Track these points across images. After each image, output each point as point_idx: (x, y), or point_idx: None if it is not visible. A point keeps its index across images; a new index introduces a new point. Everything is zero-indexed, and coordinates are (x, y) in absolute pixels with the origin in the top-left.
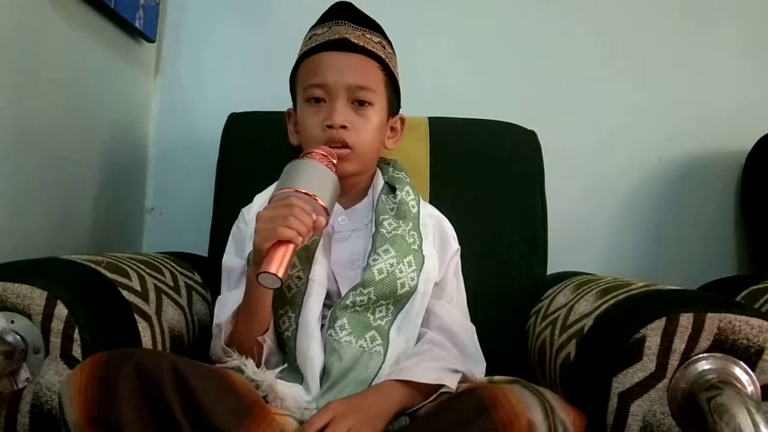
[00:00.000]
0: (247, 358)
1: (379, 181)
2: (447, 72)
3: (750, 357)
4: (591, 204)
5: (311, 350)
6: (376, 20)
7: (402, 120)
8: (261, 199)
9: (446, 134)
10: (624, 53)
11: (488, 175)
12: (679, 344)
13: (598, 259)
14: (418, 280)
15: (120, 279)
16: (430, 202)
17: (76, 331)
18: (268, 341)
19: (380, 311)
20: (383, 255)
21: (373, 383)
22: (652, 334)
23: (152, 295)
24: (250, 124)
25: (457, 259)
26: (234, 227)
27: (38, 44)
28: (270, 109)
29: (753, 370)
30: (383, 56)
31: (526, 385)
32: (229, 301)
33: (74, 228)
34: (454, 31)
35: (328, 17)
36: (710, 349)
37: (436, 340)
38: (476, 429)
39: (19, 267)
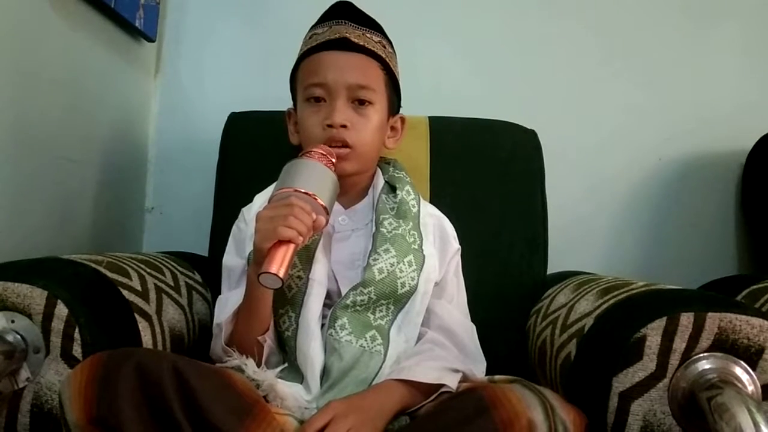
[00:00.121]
0: (247, 357)
1: (380, 181)
2: (447, 71)
3: (750, 356)
4: (591, 204)
5: (311, 350)
6: (376, 20)
7: (402, 119)
8: (261, 199)
9: (446, 134)
10: (624, 53)
11: (488, 174)
12: (679, 344)
13: (598, 258)
14: (418, 279)
15: (120, 279)
16: (431, 202)
17: (77, 330)
18: (268, 341)
19: (380, 311)
20: (383, 254)
21: (374, 383)
22: (653, 333)
23: (152, 295)
24: (250, 123)
25: (458, 258)
26: (234, 227)
27: (38, 44)
28: (270, 108)
29: (753, 369)
30: (383, 55)
31: (527, 385)
32: (229, 301)
33: (74, 228)
34: (455, 30)
35: (329, 17)
36: (711, 349)
37: (436, 339)
38: (476, 428)
39: (19, 267)
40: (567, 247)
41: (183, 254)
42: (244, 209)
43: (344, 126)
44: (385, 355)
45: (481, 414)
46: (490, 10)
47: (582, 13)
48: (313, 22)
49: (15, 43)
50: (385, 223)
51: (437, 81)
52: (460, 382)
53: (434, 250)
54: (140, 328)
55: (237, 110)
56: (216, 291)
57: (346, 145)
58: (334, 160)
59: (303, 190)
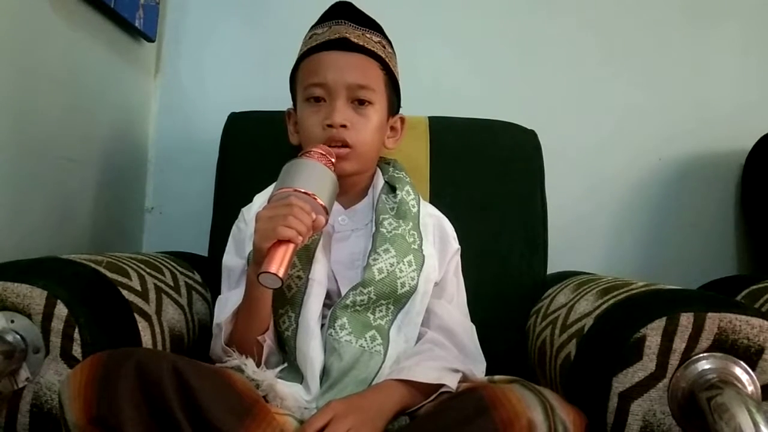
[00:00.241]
0: (247, 357)
1: (379, 181)
2: (447, 71)
3: (750, 357)
4: (591, 204)
5: (311, 350)
6: (376, 20)
7: (402, 119)
8: (261, 199)
9: (446, 134)
10: (624, 53)
11: (488, 174)
12: (679, 344)
13: (598, 258)
14: (418, 279)
15: (120, 278)
16: (430, 202)
17: (76, 330)
18: (268, 341)
19: (380, 311)
20: (383, 254)
21: (373, 383)
22: (653, 333)
23: (152, 295)
24: (250, 123)
25: (457, 258)
26: (234, 227)
27: (38, 44)
28: (270, 108)
29: (753, 369)
30: (383, 56)
31: (526, 385)
32: (229, 301)
33: (74, 227)
34: (454, 31)
35: (328, 17)
36: (710, 349)
37: (436, 339)
38: (476, 428)
39: (19, 266)
40: (567, 247)
41: (183, 254)
42: (243, 209)
43: (344, 126)
44: (385, 355)
45: (481, 414)
46: (490, 11)
47: (582, 13)
48: (312, 22)
49: (15, 42)
50: (385, 223)
51: (437, 81)
52: (459, 382)
53: (434, 250)
54: (140, 328)
55: (237, 110)
56: (216, 291)
57: (345, 145)
58: (333, 160)
59: (303, 190)
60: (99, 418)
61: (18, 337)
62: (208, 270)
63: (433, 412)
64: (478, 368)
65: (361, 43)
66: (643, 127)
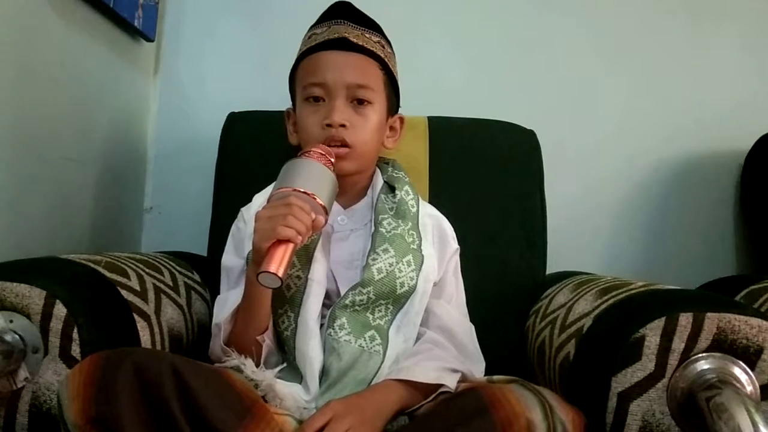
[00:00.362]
0: (246, 357)
1: (379, 181)
2: (446, 71)
3: (749, 357)
4: (590, 204)
5: (310, 349)
6: (376, 20)
7: (401, 119)
8: (260, 199)
9: (445, 134)
10: (623, 54)
11: (487, 174)
12: (678, 344)
13: (597, 258)
14: (417, 279)
15: (119, 278)
16: (430, 202)
17: (75, 330)
18: (267, 341)
19: (379, 311)
20: (382, 254)
21: (373, 383)
22: (652, 333)
23: (151, 295)
24: (249, 123)
25: (457, 258)
26: (233, 227)
27: (37, 44)
28: (269, 108)
29: (752, 369)
30: (382, 55)
31: (525, 385)
32: (228, 301)
33: (73, 227)
34: (454, 31)
35: (328, 17)
36: (709, 349)
37: (435, 339)
38: (475, 428)
39: (18, 266)
40: (566, 247)
41: (182, 254)
42: (243, 209)
43: (343, 125)
44: (384, 355)
45: (480, 414)
46: (489, 11)
47: (581, 13)
48: (312, 22)
49: (14, 42)
50: (384, 223)
51: (436, 81)
52: (459, 382)
53: (433, 250)
54: (139, 328)
55: (236, 110)
56: (215, 291)
57: (345, 144)
58: (333, 160)
59: (302, 190)
60: (98, 418)
61: (17, 336)
62: (207, 270)
63: (432, 412)
64: (477, 368)
65: (361, 43)
66: (643, 127)
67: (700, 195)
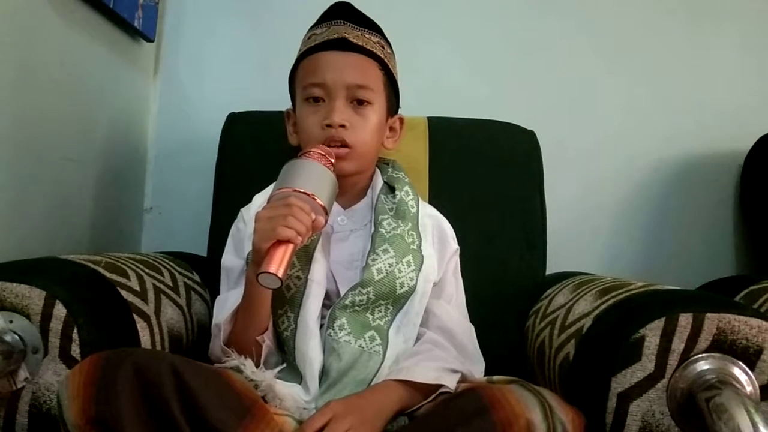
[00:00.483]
0: (246, 357)
1: (379, 181)
2: (446, 72)
3: (749, 357)
4: (590, 204)
5: (310, 350)
6: (376, 20)
7: (401, 120)
8: (260, 199)
9: (445, 134)
10: (623, 54)
11: (487, 175)
12: (678, 344)
13: (597, 259)
14: (417, 280)
15: (119, 279)
16: (429, 202)
17: (75, 330)
18: (267, 341)
19: (379, 311)
20: (382, 255)
21: (372, 383)
22: (651, 334)
23: (151, 295)
24: (249, 123)
25: (456, 259)
26: (233, 227)
27: (37, 44)
28: (269, 109)
29: (752, 370)
30: (382, 56)
31: (525, 385)
32: (228, 301)
33: (73, 227)
34: (454, 31)
35: (328, 17)
36: (709, 349)
37: (435, 340)
38: (475, 429)
39: (17, 267)
40: (566, 247)
41: (182, 254)
42: (243, 209)
43: (343, 126)
44: (384, 356)
45: (479, 414)
46: (489, 11)
47: (581, 14)
48: (312, 22)
49: (14, 42)
50: (384, 223)
51: (436, 81)
52: (458, 382)
53: (433, 250)
54: (139, 328)
55: (236, 110)
56: (215, 291)
57: (345, 145)
58: (333, 160)
59: (302, 190)
60: (98, 418)
61: (17, 337)
62: (207, 270)
63: (432, 412)
64: (476, 368)
65: (360, 44)
66: (642, 127)
67: (700, 195)
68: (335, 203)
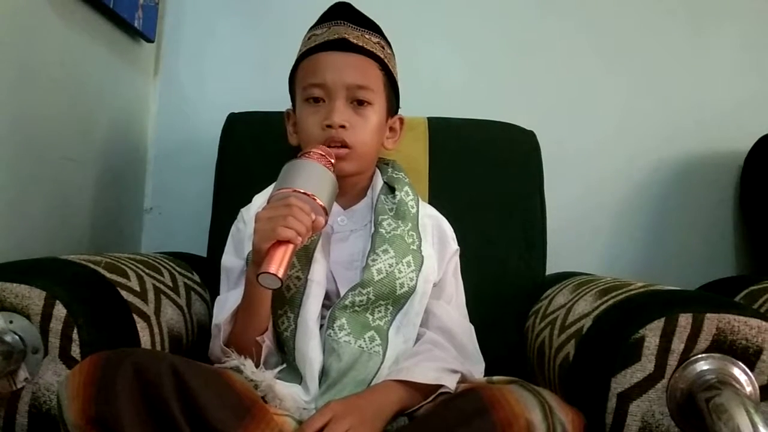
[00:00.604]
0: (246, 358)
1: (379, 182)
2: (446, 72)
3: (749, 357)
4: (590, 204)
5: (310, 350)
6: (376, 21)
7: (401, 120)
8: (260, 200)
9: (445, 134)
10: (623, 54)
11: (487, 175)
12: (677, 344)
13: (597, 259)
14: (417, 280)
15: (119, 279)
16: (429, 202)
17: (75, 331)
18: (267, 341)
19: (379, 311)
20: (382, 255)
21: (372, 383)
22: (651, 334)
23: (151, 295)
24: (249, 124)
25: (456, 259)
26: (233, 227)
27: (37, 44)
28: (269, 109)
29: (752, 370)
30: (382, 56)
31: (525, 386)
32: (228, 302)
33: (73, 227)
34: (454, 31)
35: (328, 17)
36: (709, 350)
37: (435, 340)
38: (475, 429)
39: (17, 267)
40: (566, 247)
41: (181, 255)
42: (242, 209)
43: (343, 126)
44: (384, 356)
45: (479, 415)
46: (489, 11)
47: (581, 14)
48: (312, 23)
49: (14, 43)
50: (384, 223)
51: (436, 82)
52: (458, 382)
53: (433, 251)
54: (138, 328)
55: (236, 110)
56: (215, 291)
57: (345, 145)
58: (333, 161)
59: (302, 191)
60: (97, 418)
61: (17, 337)
62: (207, 270)
63: (431, 412)
64: (476, 369)
65: (361, 44)
66: (642, 127)
67: (700, 195)
68: (335, 203)
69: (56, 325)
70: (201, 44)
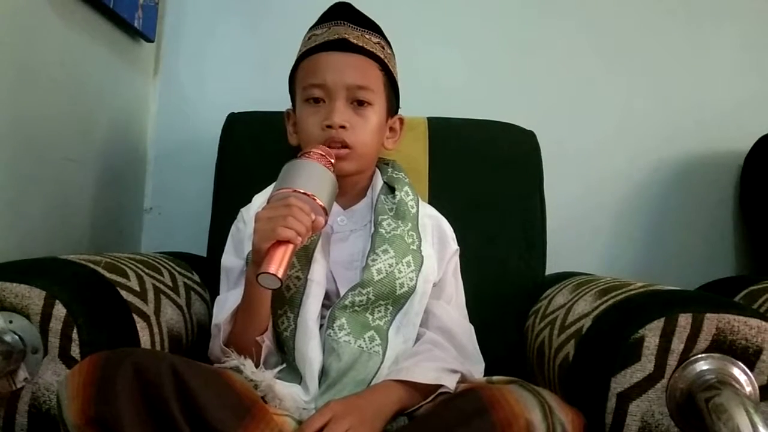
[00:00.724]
0: (245, 358)
1: (378, 182)
2: (446, 72)
3: (748, 357)
4: (590, 204)
5: (310, 350)
6: (376, 21)
7: (401, 120)
8: (260, 199)
9: (445, 134)
10: (623, 54)
11: (487, 175)
12: (677, 344)
13: (597, 259)
14: (417, 280)
15: (119, 279)
16: (429, 203)
17: (75, 330)
18: (266, 341)
19: (379, 311)
20: (382, 255)
21: (372, 383)
22: (651, 334)
23: (151, 295)
24: (249, 124)
25: (456, 259)
26: (233, 227)
27: (37, 44)
28: (269, 109)
29: (751, 370)
30: (382, 56)
31: (525, 386)
32: (227, 301)
33: (73, 228)
34: (454, 31)
35: (328, 17)
36: (709, 350)
37: (435, 340)
38: (475, 429)
39: (17, 267)
40: (566, 247)
41: (181, 254)
42: (242, 209)
43: (343, 127)
44: (384, 356)
45: (479, 415)
46: (489, 11)
47: (581, 14)
48: (312, 23)
49: (14, 42)
50: (384, 223)
51: (436, 82)
52: (458, 382)
53: (433, 251)
54: (138, 328)
55: (236, 110)
56: (214, 291)
57: (345, 145)
58: (333, 161)
59: (302, 191)
60: (97, 418)
61: (16, 337)
62: (206, 270)
63: (431, 412)
64: (476, 369)
65: (361, 44)
66: (642, 127)
67: (700, 195)
68: (335, 203)
69: (56, 325)
70: (201, 44)
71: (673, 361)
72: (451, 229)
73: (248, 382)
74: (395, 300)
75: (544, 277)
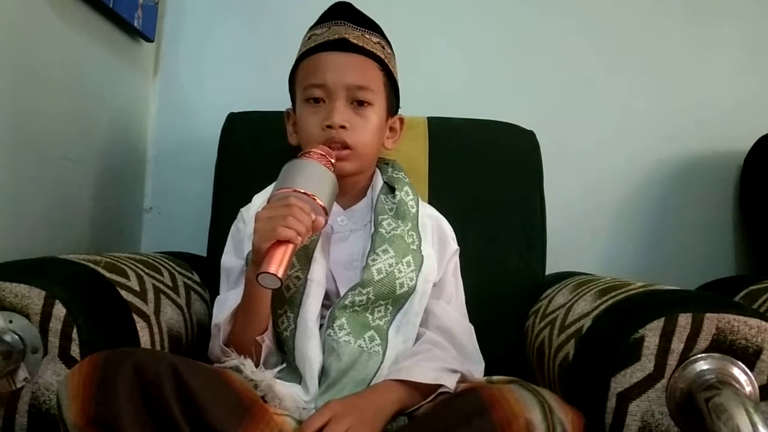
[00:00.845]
0: (245, 357)
1: (378, 181)
2: (446, 72)
3: (748, 357)
4: (590, 204)
5: (310, 350)
6: (376, 20)
7: (401, 120)
8: (260, 199)
9: (445, 134)
10: (623, 54)
11: (487, 175)
12: (677, 344)
13: (596, 259)
14: (417, 280)
15: (118, 279)
16: (429, 202)
17: (75, 330)
18: (266, 341)
19: (379, 311)
20: (382, 255)
21: (372, 383)
22: (651, 334)
23: (151, 295)
24: (249, 123)
25: (456, 259)
26: (233, 227)
27: (37, 44)
28: (269, 109)
29: (751, 370)
30: (382, 56)
31: (525, 385)
32: (227, 301)
33: (73, 227)
34: (454, 31)
35: (328, 17)
36: (709, 349)
37: (434, 340)
38: (475, 429)
39: (17, 266)
40: (566, 247)
41: (181, 254)
42: (242, 209)
43: (343, 127)
44: (384, 356)
45: (479, 414)
46: (489, 11)
47: (580, 13)
48: (312, 23)
49: (13, 42)
50: (384, 223)
51: (436, 82)
52: (458, 382)
53: (433, 250)
54: (138, 328)
55: (236, 110)
56: (214, 291)
57: (345, 146)
58: (333, 161)
59: (302, 191)
60: (97, 418)
61: (16, 337)
62: (206, 270)
63: (431, 412)
64: (476, 369)
65: (361, 44)
66: (642, 127)
67: (699, 195)
68: (335, 203)
69: (56, 325)
70: (201, 44)
71: (673, 360)
72: (451, 229)
73: (248, 382)
74: (395, 300)
75: (544, 277)
